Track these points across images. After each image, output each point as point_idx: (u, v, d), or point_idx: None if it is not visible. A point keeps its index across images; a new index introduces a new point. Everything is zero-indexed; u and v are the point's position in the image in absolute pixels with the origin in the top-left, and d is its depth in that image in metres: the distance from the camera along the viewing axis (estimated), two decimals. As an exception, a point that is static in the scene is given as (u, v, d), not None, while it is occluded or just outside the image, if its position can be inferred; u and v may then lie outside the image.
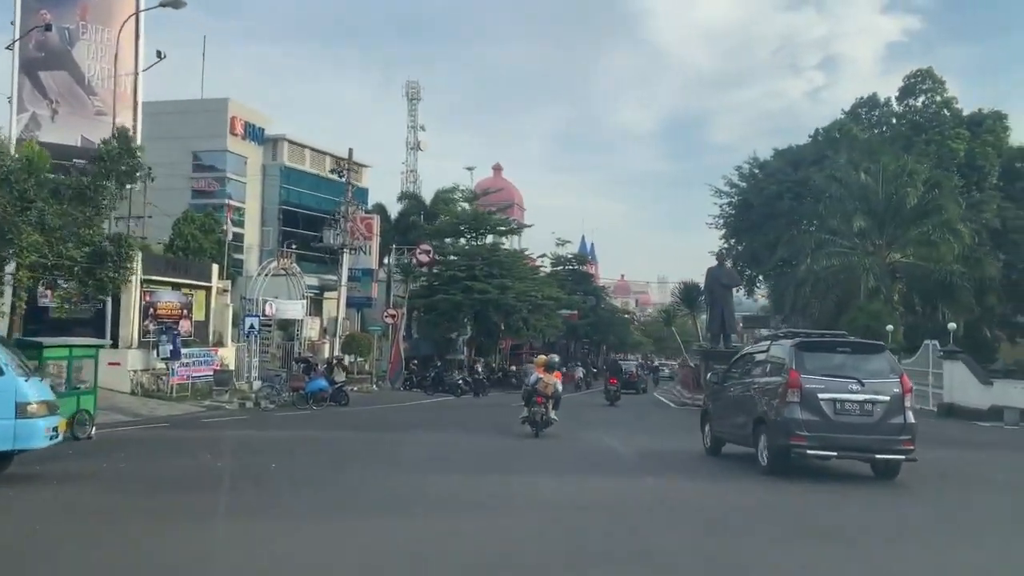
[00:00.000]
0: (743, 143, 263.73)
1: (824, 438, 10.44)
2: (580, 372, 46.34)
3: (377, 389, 33.56)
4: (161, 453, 13.29)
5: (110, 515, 8.14)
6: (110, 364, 21.84)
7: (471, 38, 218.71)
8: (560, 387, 16.37)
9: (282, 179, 40.39)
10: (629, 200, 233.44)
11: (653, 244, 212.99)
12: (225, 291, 28.49)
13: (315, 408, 23.06)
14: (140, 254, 22.93)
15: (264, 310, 29.00)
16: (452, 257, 43.52)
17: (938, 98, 45.69)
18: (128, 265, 19.64)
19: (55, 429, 10.10)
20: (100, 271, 18.52)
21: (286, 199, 40.39)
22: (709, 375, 16.92)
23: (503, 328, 42.97)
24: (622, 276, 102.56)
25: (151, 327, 24.06)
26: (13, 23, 25.38)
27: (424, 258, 39.71)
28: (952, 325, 27.62)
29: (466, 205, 47.21)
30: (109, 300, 22.97)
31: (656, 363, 73.16)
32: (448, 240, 45.42)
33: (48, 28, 25.26)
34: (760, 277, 50.56)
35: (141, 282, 23.65)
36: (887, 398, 10.57)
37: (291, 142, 41.54)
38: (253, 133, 39.23)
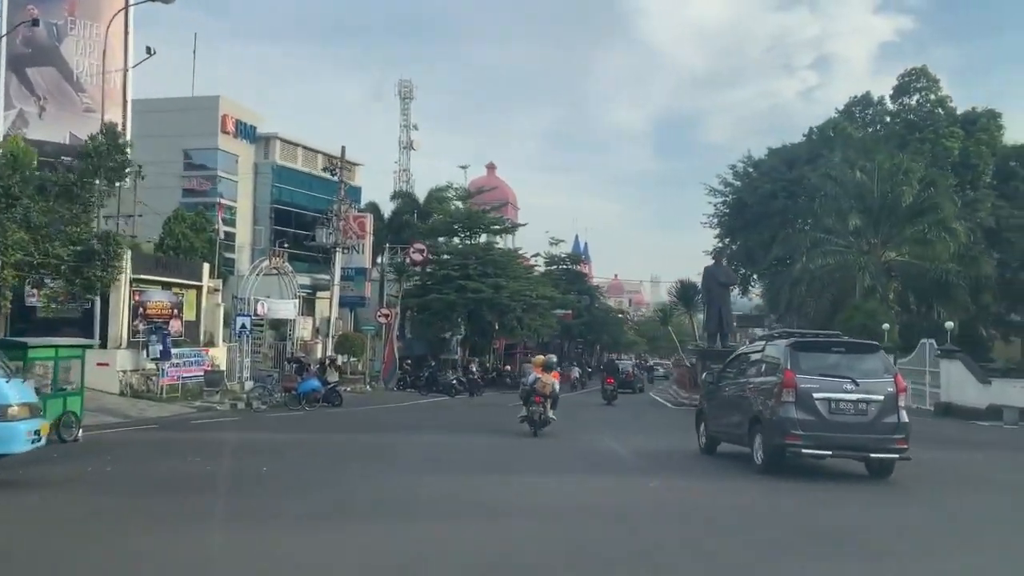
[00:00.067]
0: (735, 143, 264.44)
1: (819, 437, 10.50)
2: (576, 372, 46.24)
3: (371, 389, 33.25)
4: (149, 456, 12.95)
5: (92, 522, 7.84)
6: (99, 364, 21.53)
7: (462, 37, 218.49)
8: (558, 387, 16.53)
9: (274, 178, 39.99)
10: (622, 200, 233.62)
11: (646, 244, 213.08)
12: (216, 290, 28.15)
13: (308, 409, 22.74)
14: (129, 253, 22.58)
15: (256, 310, 28.68)
16: (446, 256, 43.22)
17: (932, 97, 45.66)
18: (116, 264, 19.30)
19: (37, 433, 9.78)
20: (87, 270, 18.19)
21: (278, 198, 40.01)
22: (704, 375, 17.06)
23: (497, 328, 42.70)
24: (615, 276, 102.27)
25: (141, 327, 23.68)
26: (-1, 19, 24.97)
27: (418, 257, 39.42)
28: (950, 324, 27.50)
29: (460, 204, 46.95)
30: (98, 299, 22.61)
31: (651, 363, 73.09)
32: (442, 239, 45.14)
33: (35, 23, 24.85)
34: (755, 276, 50.45)
35: (130, 281, 23.27)
36: (881, 397, 10.65)
37: (283, 140, 41.16)
38: (245, 131, 38.88)
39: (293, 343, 32.07)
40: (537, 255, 55.62)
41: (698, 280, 47.62)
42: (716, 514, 8.68)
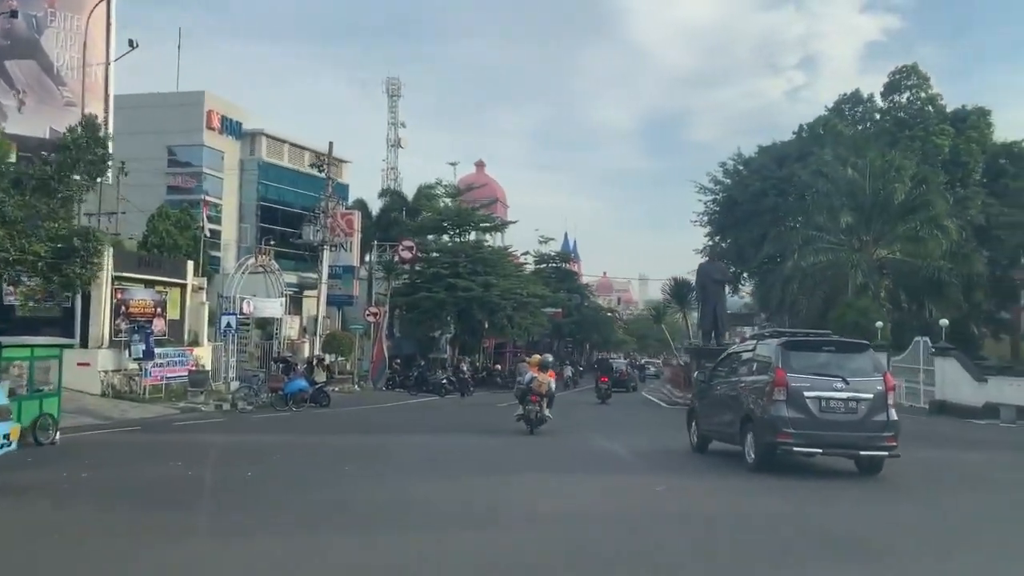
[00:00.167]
0: (722, 142, 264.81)
1: (810, 435, 10.60)
2: (569, 371, 45.96)
3: (359, 389, 32.78)
4: (128, 460, 12.35)
5: (63, 533, 7.29)
6: (79, 364, 21.13)
7: (449, 36, 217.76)
8: (554, 386, 16.78)
9: (260, 174, 39.45)
10: (610, 198, 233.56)
11: (634, 242, 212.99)
12: (201, 289, 27.63)
13: (295, 410, 22.26)
14: (110, 250, 22.04)
15: (242, 308, 28.15)
16: (435, 254, 42.80)
17: (923, 94, 45.61)
18: (96, 261, 18.73)
19: (6, 436, 9.31)
20: (66, 267, 17.61)
21: (264, 195, 39.46)
22: (696, 374, 17.09)
23: (487, 326, 42.30)
24: (604, 274, 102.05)
25: (123, 326, 23.16)
26: (-24, 10, 24.33)
27: (407, 254, 38.96)
28: (944, 321, 27.31)
29: (449, 201, 46.54)
30: (79, 298, 22.09)
31: (642, 361, 73.00)
32: (431, 237, 44.70)
33: (14, 15, 24.23)
34: (745, 274, 50.28)
35: (112, 279, 22.74)
36: (871, 396, 10.76)
37: (269, 137, 40.60)
38: (230, 127, 38.33)
39: (280, 342, 31.54)
40: (527, 253, 55.32)
41: (690, 278, 47.68)
42: (714, 514, 8.62)
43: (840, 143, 42.13)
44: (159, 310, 24.89)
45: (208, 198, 35.21)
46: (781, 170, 44.85)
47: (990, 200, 40.39)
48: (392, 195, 46.47)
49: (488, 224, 47.40)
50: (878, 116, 47.47)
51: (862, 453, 10.93)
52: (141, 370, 22.42)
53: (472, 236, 45.67)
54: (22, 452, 10.42)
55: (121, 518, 7.95)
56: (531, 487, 10.01)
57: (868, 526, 8.14)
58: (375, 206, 44.76)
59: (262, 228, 38.40)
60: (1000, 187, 41.53)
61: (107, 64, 26.27)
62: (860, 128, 46.80)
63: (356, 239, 38.15)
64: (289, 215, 39.12)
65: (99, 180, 24.27)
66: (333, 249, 34.64)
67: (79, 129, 18.34)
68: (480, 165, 66.04)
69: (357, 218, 38.77)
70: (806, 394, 10.68)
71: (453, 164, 58.28)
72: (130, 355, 22.41)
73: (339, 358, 33.92)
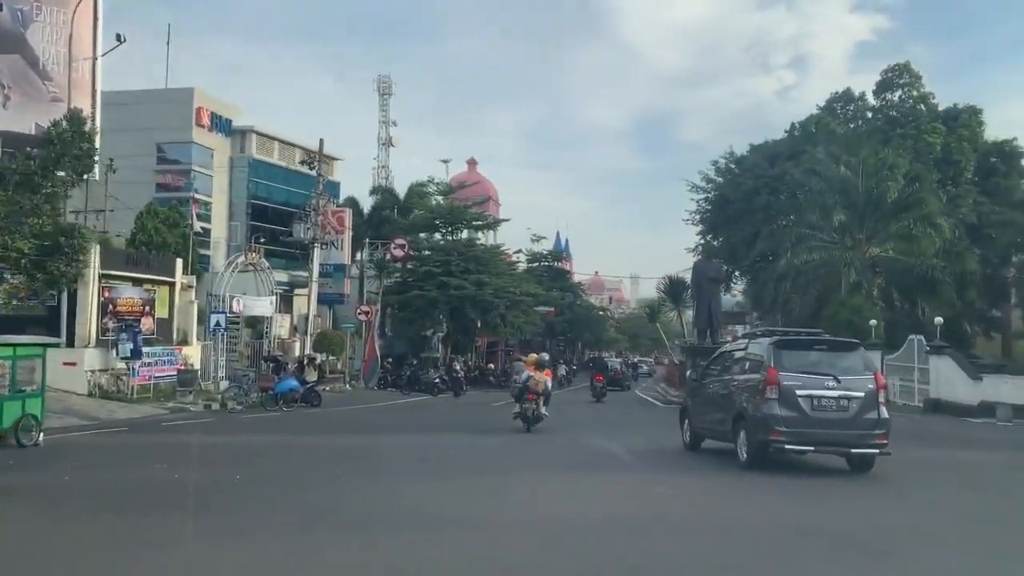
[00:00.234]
0: (713, 142, 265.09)
1: (802, 433, 10.71)
2: (563, 369, 45.84)
3: (351, 389, 32.48)
4: (113, 462, 12.02)
5: (42, 540, 6.97)
6: (65, 364, 20.80)
7: (439, 35, 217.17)
8: (550, 384, 17.15)
9: (250, 172, 38.97)
10: (601, 197, 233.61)
11: (625, 242, 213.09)
12: (190, 287, 27.26)
13: (285, 409, 21.96)
14: (97, 247, 21.67)
15: (231, 307, 27.80)
16: (427, 252, 42.51)
17: (915, 93, 45.61)
18: (81, 258, 18.34)
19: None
20: (51, 264, 17.23)
21: (254, 193, 38.99)
22: (688, 372, 17.46)
23: (480, 325, 42.05)
24: (596, 273, 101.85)
25: (110, 325, 22.77)
26: (-41, 3, 23.89)
27: (399, 252, 38.66)
28: (939, 319, 27.24)
29: (441, 199, 46.23)
30: (65, 296, 21.72)
31: (635, 360, 72.92)
32: (423, 235, 44.41)
33: (-1, 8, 23.78)
34: (736, 273, 50.22)
35: (99, 277, 22.36)
36: (862, 394, 10.88)
37: (259, 134, 40.15)
38: (220, 124, 37.87)
39: (270, 341, 31.20)
40: (519, 252, 55.07)
41: (684, 276, 47.59)
42: (711, 508, 8.65)
43: (833, 141, 42.08)
44: (147, 309, 24.53)
45: (197, 196, 34.83)
46: (773, 168, 44.80)
47: (981, 199, 40.46)
48: (384, 193, 46.07)
49: (480, 222, 47.11)
50: (870, 114, 47.48)
51: (853, 451, 11.03)
52: (129, 369, 22.06)
53: (464, 234, 45.37)
54: (3, 454, 10.21)
55: (102, 524, 7.60)
56: (530, 489, 9.79)
57: (872, 527, 7.99)
58: (366, 204, 44.42)
59: (252, 226, 37.95)
60: (991, 185, 41.60)
61: (94, 59, 25.82)
62: (852, 126, 46.80)
63: (347, 237, 37.81)
64: (279, 213, 38.71)
65: (86, 177, 23.97)
66: (324, 247, 34.32)
67: (64, 123, 17.94)
68: (472, 163, 65.67)
69: (348, 216, 38.41)
70: (798, 392, 10.78)
71: (445, 162, 57.77)
72: (117, 354, 22.04)
73: (330, 357, 33.62)
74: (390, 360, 37.79)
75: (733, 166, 48.30)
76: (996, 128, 44.85)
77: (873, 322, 30.50)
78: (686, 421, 13.80)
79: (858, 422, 10.82)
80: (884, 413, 10.97)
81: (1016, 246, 40.11)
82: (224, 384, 24.98)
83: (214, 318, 25.92)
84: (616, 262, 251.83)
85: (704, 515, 8.47)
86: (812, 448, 10.95)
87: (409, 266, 41.06)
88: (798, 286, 36.93)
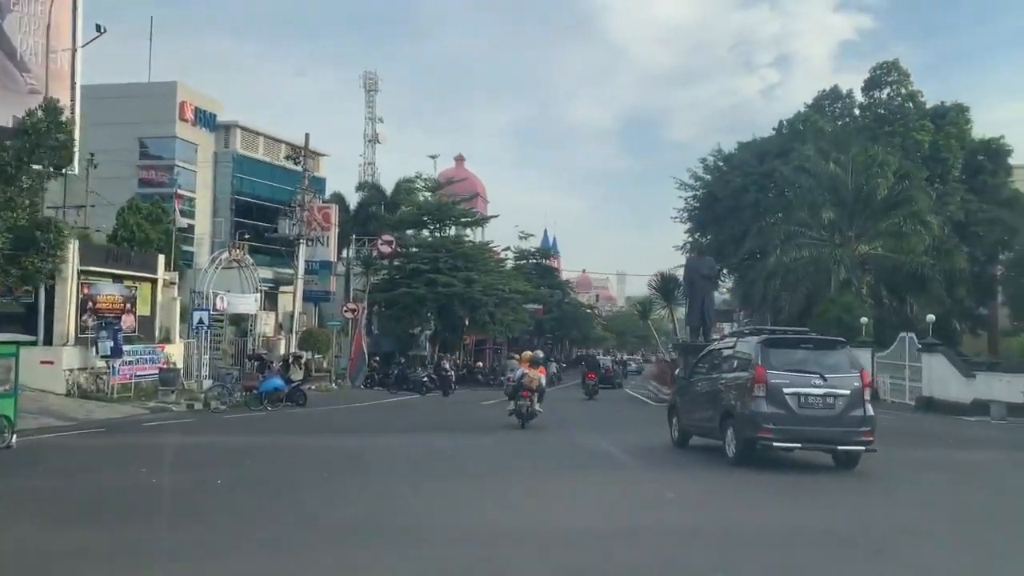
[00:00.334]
0: (698, 140, 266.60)
1: (789, 431, 10.84)
2: (553, 367, 45.58)
3: (337, 388, 31.99)
4: (89, 466, 11.48)
5: (4, 553, 6.44)
6: (42, 363, 20.29)
7: (425, 32, 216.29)
8: (544, 382, 17.54)
9: (235, 168, 38.53)
10: (586, 196, 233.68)
11: (611, 240, 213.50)
12: (172, 284, 26.68)
13: (270, 409, 21.48)
14: (76, 243, 21.10)
15: (215, 304, 27.26)
16: (414, 249, 42.05)
17: (903, 90, 45.52)
18: (58, 253, 17.75)
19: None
20: (25, 259, 16.65)
21: (239, 189, 38.51)
22: (677, 370, 17.77)
23: (468, 323, 41.65)
24: (583, 271, 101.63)
25: (90, 322, 22.17)
26: (-67, -9, 23.20)
27: (386, 249, 38.18)
28: (931, 317, 27.12)
29: (429, 195, 45.77)
30: (42, 293, 21.14)
31: (624, 358, 72.94)
32: (410, 232, 43.98)
33: (-27, -1, 23.10)
34: (725, 271, 50.07)
35: (78, 273, 21.77)
36: (848, 392, 11.02)
37: (244, 129, 39.65)
38: (204, 119, 37.36)
39: (254, 339, 30.66)
40: (507, 249, 54.72)
41: (676, 273, 47.35)
42: (709, 513, 8.62)
43: (822, 139, 41.97)
44: (128, 306, 23.94)
45: (181, 191, 34.23)
46: (762, 166, 44.69)
47: (969, 196, 40.46)
48: (370, 189, 45.55)
49: (469, 219, 46.70)
50: (857, 112, 47.40)
51: (839, 448, 11.16)
52: (109, 368, 21.51)
53: (452, 231, 44.96)
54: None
55: (70, 535, 7.01)
56: (526, 492, 9.42)
57: (865, 526, 7.86)
58: (353, 200, 43.93)
59: (236, 222, 37.45)
60: (979, 183, 41.60)
61: (73, 50, 25.21)
62: (840, 124, 46.69)
63: (333, 233, 37.33)
64: (264, 209, 38.18)
65: (64, 171, 23.37)
66: (310, 243, 33.84)
67: (39, 113, 17.36)
68: (460, 160, 65.22)
69: (334, 212, 37.91)
70: (785, 390, 10.90)
71: (433, 157, 57.26)
72: (97, 352, 21.47)
73: (316, 356, 33.13)
74: (377, 359, 37.31)
75: (721, 164, 48.16)
76: (979, 129, 44.74)
77: (864, 320, 30.39)
78: (674, 418, 13.97)
79: (844, 419, 10.94)
80: (870, 411, 11.10)
81: (1003, 244, 40.17)
82: (207, 383, 24.46)
83: (197, 315, 25.39)
84: (603, 260, 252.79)
85: (699, 515, 8.38)
86: (799, 445, 11.05)
87: (396, 263, 40.61)
88: (787, 284, 36.77)
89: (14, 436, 12.75)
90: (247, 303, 29.39)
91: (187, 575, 5.99)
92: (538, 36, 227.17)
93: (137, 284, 24.62)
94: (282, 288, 36.56)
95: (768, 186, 44.45)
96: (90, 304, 22.40)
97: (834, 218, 36.52)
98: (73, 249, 21.09)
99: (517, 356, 20.31)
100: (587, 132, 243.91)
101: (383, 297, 39.56)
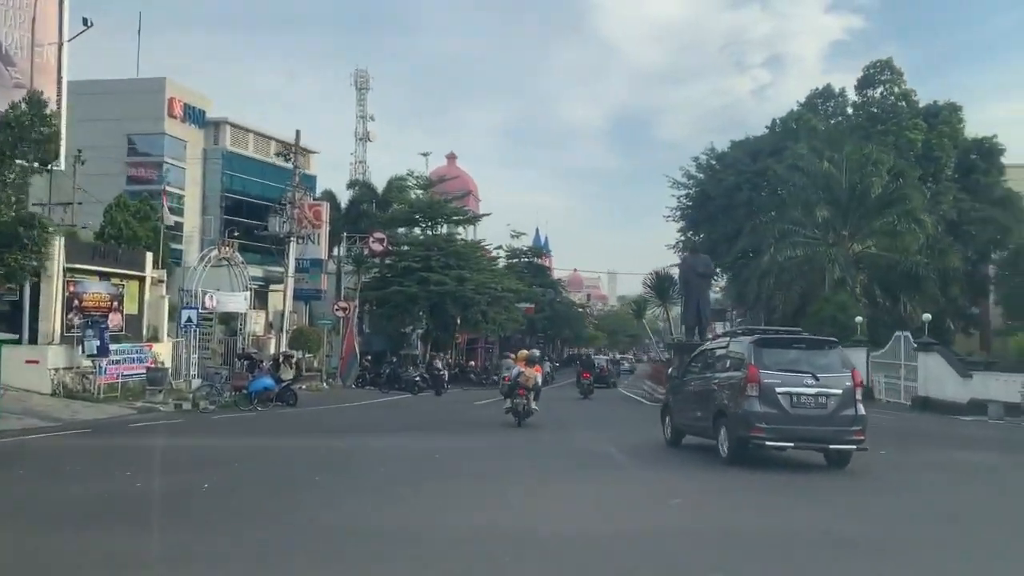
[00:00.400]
0: (690, 140, 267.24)
1: (781, 430, 10.92)
2: (547, 366, 45.44)
3: (327, 387, 31.65)
4: (71, 468, 11.04)
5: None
6: (27, 362, 19.94)
7: (416, 30, 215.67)
8: (540, 380, 17.79)
9: (224, 165, 38.05)
10: (578, 195, 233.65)
11: (602, 239, 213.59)
12: (160, 282, 26.27)
13: (260, 409, 21.13)
14: (61, 239, 20.69)
15: (204, 302, 26.83)
16: (406, 247, 41.71)
17: (896, 89, 45.50)
18: (43, 250, 17.34)
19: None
20: (8, 256, 16.24)
21: (229, 186, 38.05)
22: (670, 370, 17.88)
23: (460, 322, 41.34)
24: (575, 270, 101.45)
25: (76, 320, 21.74)
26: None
27: (378, 247, 37.83)
28: (927, 316, 27.00)
29: (420, 193, 45.42)
30: (27, 290, 20.73)
31: (617, 357, 72.92)
32: (402, 230, 43.65)
33: (-44, -9, 22.64)
34: (718, 269, 49.93)
35: (64, 271, 21.36)
36: (839, 391, 11.09)
37: (234, 125, 39.18)
38: (193, 115, 36.89)
39: (244, 338, 30.25)
40: (499, 247, 54.46)
41: (669, 271, 47.11)
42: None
43: (815, 137, 41.91)
44: (115, 304, 23.53)
45: (169, 188, 33.78)
46: (755, 164, 44.61)
47: (962, 195, 40.46)
48: (362, 186, 45.17)
49: (461, 217, 46.39)
50: (850, 111, 47.37)
51: (831, 447, 11.25)
52: (95, 367, 21.10)
53: (444, 229, 44.65)
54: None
55: (46, 543, 6.62)
56: (526, 496, 9.07)
57: (878, 530, 7.73)
58: (344, 198, 43.56)
59: (226, 220, 37.00)
60: (971, 182, 41.62)
61: (59, 44, 24.79)
62: (833, 123, 46.65)
63: (324, 231, 36.92)
64: (254, 207, 37.74)
65: (50, 166, 22.94)
66: (300, 241, 33.46)
67: (23, 106, 16.94)
68: (451, 157, 64.87)
69: (325, 209, 37.50)
70: (778, 390, 10.98)
71: (425, 155, 56.93)
72: (83, 351, 21.05)
73: (307, 355, 32.77)
74: (369, 358, 36.97)
75: (714, 162, 48.07)
76: (971, 128, 44.78)
77: (859, 319, 30.28)
78: (667, 418, 14.09)
79: (836, 419, 11.02)
80: (861, 410, 11.18)
81: (996, 243, 40.21)
82: (196, 383, 24.09)
83: (185, 314, 24.99)
84: (594, 259, 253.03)
85: (699, 516, 8.33)
86: (792, 444, 11.16)
87: (388, 261, 40.27)
88: (781, 283, 36.66)
89: (-5, 437, 12.41)
90: (237, 301, 28.99)
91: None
92: (529, 34, 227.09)
93: (124, 282, 24.21)
94: (272, 286, 36.15)
95: (761, 185, 44.38)
96: (76, 302, 21.99)
97: (828, 216, 36.46)
98: (58, 246, 20.69)
99: (513, 355, 20.39)
100: (578, 131, 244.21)
101: (374, 295, 39.21)
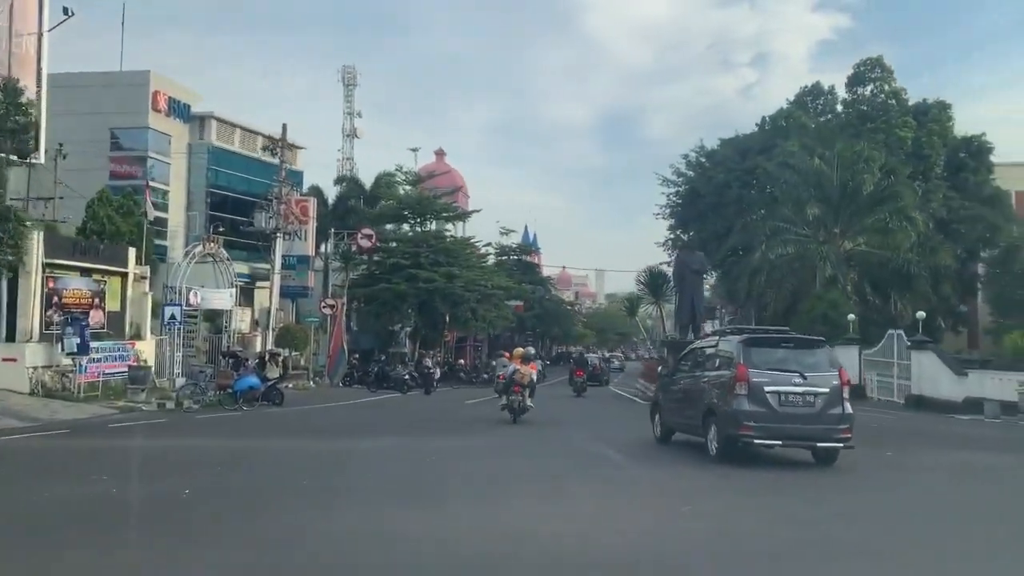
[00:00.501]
0: (677, 139, 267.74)
1: (770, 428, 11.06)
2: (539, 364, 45.21)
3: (315, 386, 31.16)
4: (45, 472, 10.54)
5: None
6: (5, 360, 19.56)
7: (404, 28, 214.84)
8: (535, 378, 18.13)
9: (210, 160, 37.52)
10: (566, 193, 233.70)
11: (590, 237, 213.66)
12: (144, 278, 25.69)
13: (245, 409, 20.64)
14: (40, 234, 20.13)
15: (188, 299, 26.29)
16: (394, 244, 41.23)
17: (887, 87, 45.41)
18: (18, 243, 16.79)
19: None
20: (-19, 251, 15.71)
21: (214, 181, 37.50)
22: (660, 368, 18.09)
23: (449, 320, 40.91)
24: (563, 268, 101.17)
25: (55, 318, 21.18)
26: None
27: (366, 243, 37.35)
28: (921, 314, 26.85)
29: (409, 189, 44.94)
30: (4, 286, 20.18)
31: (607, 355, 72.88)
32: (390, 226, 43.15)
33: (-69, -22, 21.99)
34: (709, 267, 49.74)
35: (43, 266, 20.80)
36: (827, 390, 11.23)
37: (220, 120, 38.61)
38: (178, 109, 36.32)
39: (229, 336, 29.69)
40: (488, 245, 54.09)
41: (657, 270, 46.97)
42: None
43: (805, 135, 41.78)
44: (97, 301, 22.97)
45: (152, 183, 33.15)
46: (744, 162, 44.46)
47: (951, 193, 40.46)
48: (349, 182, 44.65)
49: (450, 213, 45.93)
50: (840, 108, 47.28)
51: (819, 445, 11.42)
52: (75, 366, 20.56)
53: (433, 225, 44.20)
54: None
55: (13, 556, 6.07)
56: (525, 506, 8.59)
57: (878, 530, 7.61)
58: (331, 195, 43.05)
59: (211, 216, 36.45)
60: (960, 181, 41.63)
61: (39, 34, 24.16)
62: (822, 120, 46.55)
63: (311, 227, 36.38)
64: (240, 203, 37.16)
65: (30, 159, 22.37)
66: (287, 238, 32.90)
67: (-2, 94, 16.41)
68: (440, 154, 64.40)
69: (312, 205, 36.96)
70: (766, 389, 11.10)
71: (414, 150, 56.41)
72: (63, 349, 20.50)
73: (293, 353, 32.27)
74: (356, 356, 36.48)
75: (704, 160, 47.90)
76: (965, 124, 44.86)
77: (851, 317, 30.14)
78: (657, 415, 14.25)
79: (823, 417, 11.15)
80: (848, 408, 11.31)
81: (985, 241, 40.22)
82: (180, 381, 23.55)
83: (169, 311, 24.46)
84: (582, 257, 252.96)
85: (698, 516, 8.21)
86: (780, 442, 11.30)
87: (376, 258, 39.79)
88: (772, 280, 36.50)
89: (-33, 439, 11.91)
90: (222, 298, 28.44)
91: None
92: (517, 33, 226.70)
93: (106, 278, 23.67)
94: (258, 283, 35.62)
95: (751, 182, 44.25)
96: (56, 299, 21.42)
97: (819, 214, 36.32)
98: (37, 241, 20.14)
99: (508, 353, 20.48)
100: (566, 129, 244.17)
101: (362, 293, 38.73)
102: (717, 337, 13.63)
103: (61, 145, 25.47)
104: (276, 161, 32.65)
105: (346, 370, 34.39)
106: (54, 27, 24.49)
